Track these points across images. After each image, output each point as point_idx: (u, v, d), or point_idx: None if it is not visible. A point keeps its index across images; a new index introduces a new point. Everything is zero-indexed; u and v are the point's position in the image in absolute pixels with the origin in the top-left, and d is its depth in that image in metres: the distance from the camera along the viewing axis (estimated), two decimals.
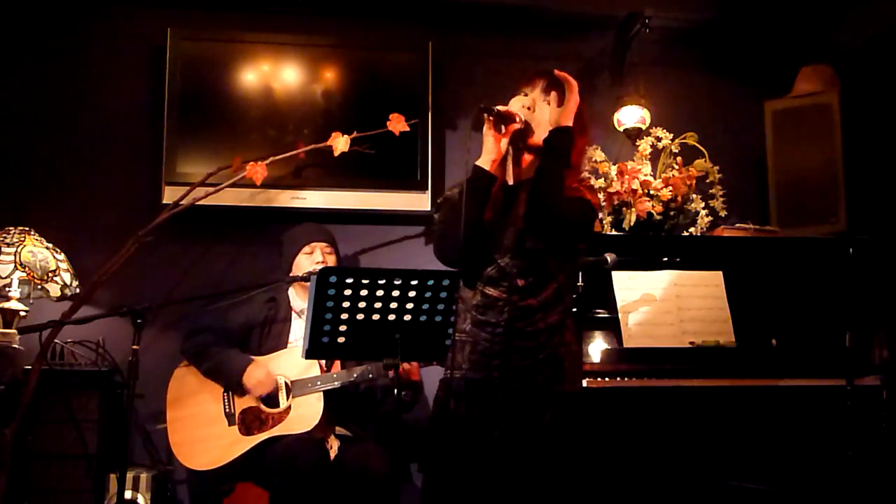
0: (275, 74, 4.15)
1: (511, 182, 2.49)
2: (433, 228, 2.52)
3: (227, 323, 3.54)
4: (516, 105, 2.44)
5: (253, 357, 3.43)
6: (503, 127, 2.38)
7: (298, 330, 3.53)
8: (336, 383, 3.36)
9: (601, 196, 3.90)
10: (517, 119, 2.39)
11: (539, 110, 2.44)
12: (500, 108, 2.39)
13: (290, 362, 3.41)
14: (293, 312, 3.58)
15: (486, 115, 2.37)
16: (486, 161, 2.36)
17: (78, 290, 3.70)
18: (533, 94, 2.46)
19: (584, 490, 2.99)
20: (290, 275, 3.62)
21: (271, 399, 3.38)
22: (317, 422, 3.30)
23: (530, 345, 2.40)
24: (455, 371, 2.43)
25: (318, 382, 3.36)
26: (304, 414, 3.32)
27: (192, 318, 3.80)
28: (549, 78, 2.49)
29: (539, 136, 2.43)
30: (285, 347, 3.48)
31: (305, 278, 3.45)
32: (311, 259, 3.59)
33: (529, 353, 2.40)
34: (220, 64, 4.11)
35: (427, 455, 2.45)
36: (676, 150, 4.04)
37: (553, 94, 2.47)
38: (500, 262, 2.42)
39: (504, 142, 2.39)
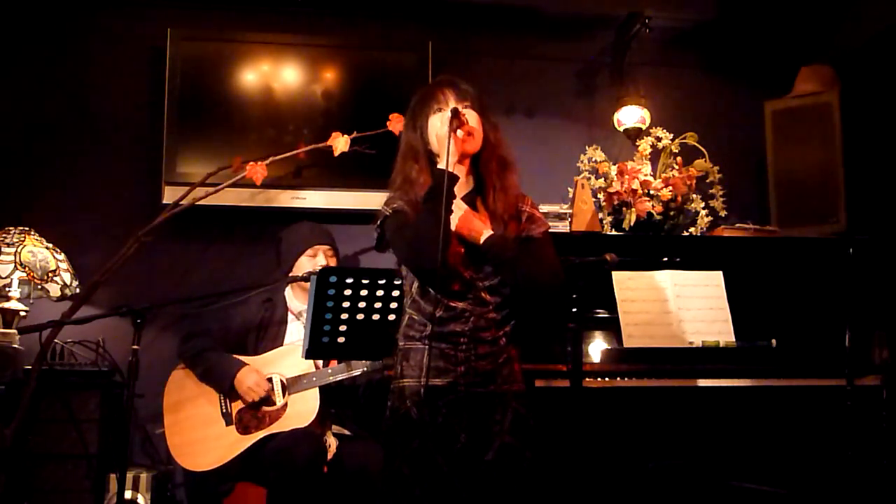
0: (275, 74, 4.15)
1: (458, 195, 2.50)
2: (393, 238, 2.50)
3: (223, 325, 3.54)
4: (438, 122, 2.48)
5: (246, 361, 3.43)
6: (459, 130, 2.42)
7: (295, 332, 3.53)
8: (330, 378, 3.36)
9: (601, 196, 3.90)
10: (463, 119, 2.43)
11: (470, 117, 2.47)
12: (456, 109, 2.42)
13: (287, 361, 3.41)
14: (290, 314, 3.58)
15: (452, 116, 2.40)
16: (450, 163, 2.39)
17: (78, 290, 3.70)
18: (449, 107, 2.47)
19: (585, 490, 3.00)
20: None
21: (262, 403, 3.38)
22: (313, 418, 3.31)
23: (492, 350, 2.45)
24: (411, 379, 2.44)
25: (314, 378, 3.37)
26: (301, 410, 3.33)
27: (191, 319, 3.80)
28: (454, 86, 2.52)
29: (474, 143, 2.47)
30: (281, 347, 3.49)
31: (305, 278, 3.45)
32: (314, 262, 3.58)
33: (492, 359, 2.45)
34: (220, 64, 4.11)
35: (388, 464, 2.45)
36: (676, 150, 4.04)
37: (468, 101, 2.50)
38: (466, 275, 2.44)
39: (460, 144, 2.43)
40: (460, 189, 2.48)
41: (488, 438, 2.41)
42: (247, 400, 3.34)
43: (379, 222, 2.54)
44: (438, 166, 2.43)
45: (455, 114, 2.41)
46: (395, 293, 2.84)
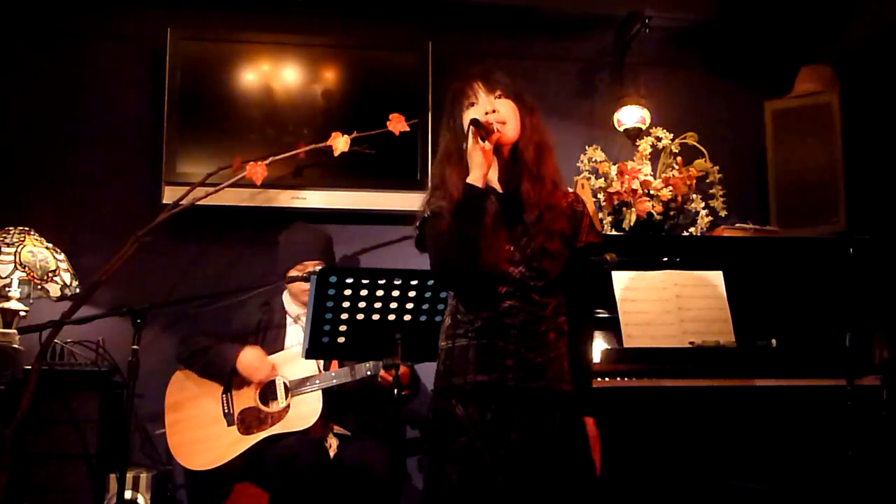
0: (275, 74, 4.14)
1: (501, 190, 2.46)
2: (427, 245, 2.44)
3: (220, 328, 3.54)
4: (477, 114, 2.39)
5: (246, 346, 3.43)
6: (486, 140, 2.34)
7: (294, 336, 3.54)
8: (334, 381, 3.36)
9: (601, 196, 3.90)
10: (496, 129, 2.36)
11: (502, 107, 2.41)
12: (481, 119, 2.35)
13: (289, 364, 3.42)
14: (288, 317, 3.58)
15: (472, 128, 2.33)
16: (477, 177, 2.31)
17: (78, 290, 3.70)
18: (480, 100, 2.41)
19: (586, 490, 2.99)
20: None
21: (269, 393, 3.38)
22: (315, 420, 3.31)
23: (541, 344, 2.39)
24: (456, 376, 2.37)
25: (317, 381, 3.37)
26: (303, 412, 3.33)
27: (189, 321, 3.80)
28: (483, 77, 2.44)
29: (509, 132, 2.41)
30: (282, 351, 3.49)
31: (305, 278, 3.44)
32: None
33: (541, 352, 2.39)
34: (220, 64, 4.10)
35: (433, 464, 2.40)
36: (676, 150, 4.04)
37: (498, 91, 2.43)
38: (515, 274, 2.38)
39: (489, 155, 2.35)
40: (501, 185, 2.43)
41: (539, 438, 2.35)
42: (253, 380, 3.34)
43: (418, 223, 2.45)
44: (467, 180, 2.33)
45: (476, 124, 2.32)
46: (396, 293, 2.84)
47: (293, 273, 3.54)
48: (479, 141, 2.32)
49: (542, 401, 2.38)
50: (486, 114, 2.38)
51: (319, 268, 3.50)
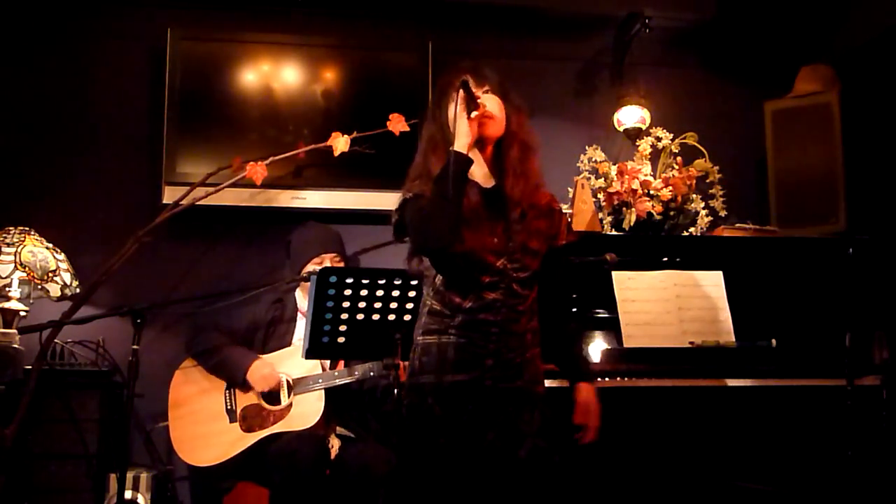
0: (275, 74, 4.15)
1: (485, 186, 2.44)
2: (406, 223, 2.39)
3: (232, 322, 3.55)
4: (454, 107, 2.38)
5: (258, 355, 3.43)
6: (472, 112, 2.33)
7: (301, 330, 3.53)
8: (337, 381, 3.36)
9: (601, 196, 3.90)
10: (480, 107, 2.34)
11: (489, 101, 2.39)
12: (473, 88, 2.34)
13: (293, 361, 3.42)
14: (299, 313, 3.58)
15: (462, 90, 2.31)
16: (462, 145, 2.30)
17: (78, 290, 3.70)
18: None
19: (585, 490, 2.99)
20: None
21: (272, 396, 3.38)
22: (317, 419, 3.31)
23: (520, 344, 2.40)
24: (430, 374, 2.37)
25: (320, 380, 3.37)
26: (305, 411, 3.33)
27: (198, 317, 3.80)
28: (472, 72, 2.42)
29: (494, 127, 2.40)
30: (289, 347, 3.49)
31: (306, 278, 3.45)
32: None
33: (520, 352, 2.40)
34: (220, 64, 4.11)
35: (410, 464, 2.40)
36: (676, 150, 4.04)
37: (487, 86, 2.43)
38: (498, 265, 2.40)
39: (474, 126, 2.34)
40: (485, 181, 2.42)
41: (519, 436, 2.35)
42: (258, 390, 3.34)
43: (398, 207, 2.42)
44: (454, 147, 2.31)
45: (465, 87, 2.30)
46: (396, 293, 2.84)
47: (310, 267, 3.55)
48: (466, 110, 2.31)
49: (519, 401, 2.39)
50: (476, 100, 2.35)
51: (323, 267, 3.52)
